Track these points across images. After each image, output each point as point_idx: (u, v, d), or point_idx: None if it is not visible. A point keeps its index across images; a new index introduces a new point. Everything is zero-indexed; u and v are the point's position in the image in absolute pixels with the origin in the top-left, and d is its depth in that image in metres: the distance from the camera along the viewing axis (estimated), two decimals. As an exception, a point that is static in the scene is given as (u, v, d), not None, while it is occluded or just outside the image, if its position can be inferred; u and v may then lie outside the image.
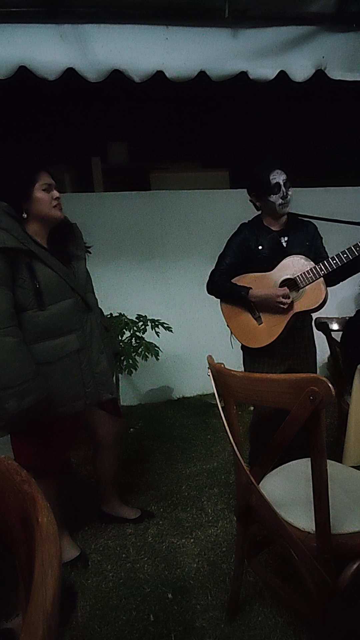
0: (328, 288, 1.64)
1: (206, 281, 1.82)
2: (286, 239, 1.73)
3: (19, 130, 3.96)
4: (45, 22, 1.69)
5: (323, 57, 1.89)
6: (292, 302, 1.65)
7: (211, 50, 1.80)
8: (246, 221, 1.82)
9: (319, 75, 1.92)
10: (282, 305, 1.63)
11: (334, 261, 1.57)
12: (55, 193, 1.40)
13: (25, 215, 1.36)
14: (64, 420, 1.43)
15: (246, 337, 1.76)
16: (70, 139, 4.14)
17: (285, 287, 1.65)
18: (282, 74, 1.89)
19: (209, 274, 1.81)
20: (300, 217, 1.78)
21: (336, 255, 1.57)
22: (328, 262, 1.58)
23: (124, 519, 1.80)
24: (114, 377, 2.45)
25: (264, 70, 1.86)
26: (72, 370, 1.42)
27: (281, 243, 1.73)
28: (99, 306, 1.64)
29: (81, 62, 1.74)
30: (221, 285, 1.76)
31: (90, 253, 1.60)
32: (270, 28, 1.82)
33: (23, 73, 1.73)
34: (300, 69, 1.88)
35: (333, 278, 1.66)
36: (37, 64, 1.71)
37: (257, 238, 1.73)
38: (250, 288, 1.69)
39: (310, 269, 1.61)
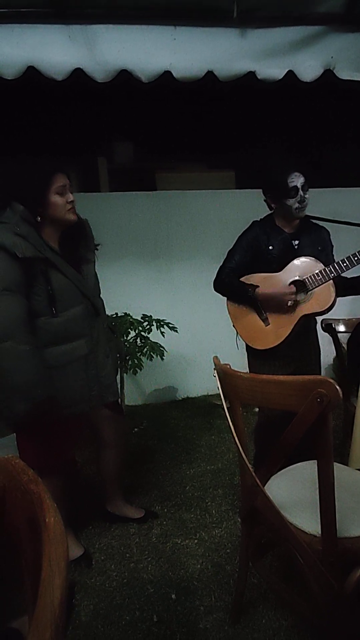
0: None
1: (212, 281, 1.81)
2: (297, 242, 1.71)
3: (26, 130, 3.98)
4: (54, 23, 1.69)
5: (332, 57, 1.87)
6: (299, 303, 1.64)
7: (219, 50, 1.79)
8: (258, 219, 1.80)
9: (328, 75, 1.90)
10: (289, 303, 1.61)
11: (345, 264, 1.55)
12: (70, 196, 1.40)
13: (39, 219, 1.36)
14: (68, 421, 1.45)
15: (253, 338, 1.75)
16: (77, 139, 4.16)
17: (292, 285, 1.64)
18: (290, 74, 1.88)
19: (216, 272, 1.80)
20: (313, 221, 1.75)
21: (347, 258, 1.55)
22: (338, 264, 1.56)
23: (129, 519, 1.80)
24: (120, 378, 2.47)
25: (272, 70, 1.85)
26: (79, 374, 1.44)
27: (292, 245, 1.70)
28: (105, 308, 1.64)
29: (89, 62, 1.74)
30: (228, 283, 1.74)
31: (97, 249, 1.60)
32: (279, 28, 1.80)
33: (31, 73, 1.74)
34: (308, 69, 1.87)
35: (344, 289, 1.65)
36: (45, 65, 1.71)
37: (268, 238, 1.71)
38: (258, 286, 1.67)
39: (320, 271, 1.60)
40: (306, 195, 1.63)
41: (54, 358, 1.38)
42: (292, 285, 1.63)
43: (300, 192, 1.61)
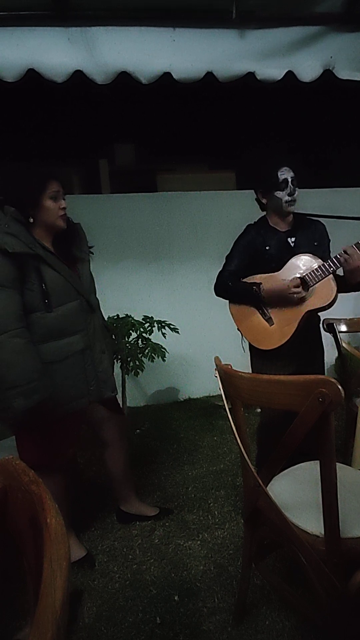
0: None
1: (213, 281, 1.81)
2: (293, 239, 1.72)
3: (27, 133, 3.99)
4: (54, 25, 1.69)
5: (331, 57, 1.87)
6: (304, 299, 1.64)
7: (218, 51, 1.79)
8: (252, 222, 1.81)
9: (327, 75, 1.90)
10: (295, 296, 1.61)
11: (342, 257, 1.56)
12: (63, 202, 1.44)
13: (32, 220, 1.41)
14: (68, 418, 1.47)
15: (258, 339, 1.74)
16: (78, 141, 4.17)
17: (295, 279, 1.64)
18: (290, 74, 1.88)
19: (216, 276, 1.80)
20: (307, 217, 1.76)
21: (344, 251, 1.56)
22: (336, 258, 1.57)
23: (145, 517, 1.80)
24: (122, 379, 2.48)
25: (272, 70, 1.85)
26: (76, 369, 1.47)
27: (289, 243, 1.71)
28: (100, 307, 1.67)
29: (89, 64, 1.74)
30: (230, 286, 1.75)
31: (92, 254, 1.63)
32: (278, 29, 1.80)
33: (32, 76, 1.75)
34: (308, 69, 1.87)
35: (345, 285, 1.64)
36: (45, 67, 1.72)
37: (264, 239, 1.72)
38: (261, 283, 1.67)
39: (319, 267, 1.60)
40: (296, 190, 1.65)
41: (52, 353, 1.41)
42: (294, 279, 1.63)
43: (290, 185, 1.64)
